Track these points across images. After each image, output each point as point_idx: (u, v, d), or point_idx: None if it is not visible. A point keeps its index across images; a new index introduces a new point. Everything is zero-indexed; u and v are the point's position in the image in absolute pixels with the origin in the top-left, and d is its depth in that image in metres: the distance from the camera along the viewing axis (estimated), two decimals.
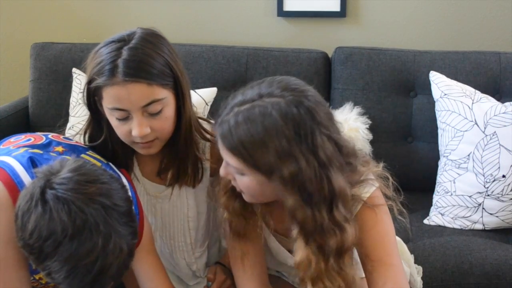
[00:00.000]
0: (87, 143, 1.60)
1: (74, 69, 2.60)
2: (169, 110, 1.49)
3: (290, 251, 1.50)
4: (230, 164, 1.34)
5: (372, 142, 2.43)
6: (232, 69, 2.59)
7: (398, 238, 1.80)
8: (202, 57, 2.61)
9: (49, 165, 1.31)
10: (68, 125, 2.43)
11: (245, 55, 2.60)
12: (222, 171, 1.40)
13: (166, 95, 1.47)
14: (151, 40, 1.47)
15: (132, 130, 1.46)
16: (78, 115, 2.45)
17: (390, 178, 1.50)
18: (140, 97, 1.43)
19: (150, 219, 1.69)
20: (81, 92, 2.46)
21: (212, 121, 1.56)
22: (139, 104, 1.44)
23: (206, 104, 2.50)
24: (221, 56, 2.61)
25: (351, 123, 2.41)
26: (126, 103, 1.43)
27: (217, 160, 1.47)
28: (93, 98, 1.50)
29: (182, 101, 1.52)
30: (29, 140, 1.52)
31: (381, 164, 1.52)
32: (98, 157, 1.54)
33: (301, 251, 1.37)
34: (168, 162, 1.62)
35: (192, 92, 2.48)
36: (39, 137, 1.53)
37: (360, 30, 2.75)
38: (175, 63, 1.49)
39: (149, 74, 1.43)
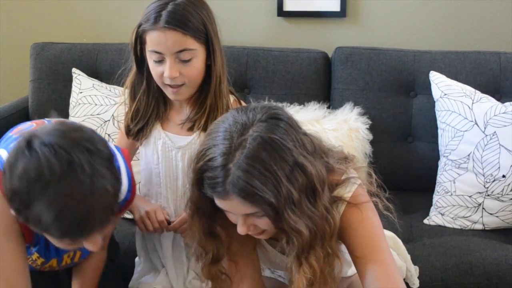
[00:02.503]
0: (127, 96, 1.85)
1: (74, 69, 2.60)
2: (198, 61, 1.71)
3: (283, 252, 1.51)
4: (247, 213, 1.34)
5: (372, 142, 2.43)
6: (232, 69, 2.57)
7: (391, 234, 1.80)
8: None
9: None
10: None
11: (245, 55, 2.60)
12: (243, 229, 1.38)
13: (197, 47, 1.69)
14: (195, 2, 1.71)
15: (164, 71, 1.69)
16: (78, 115, 2.45)
17: (373, 174, 1.50)
18: (174, 43, 1.66)
19: (164, 174, 1.83)
20: (81, 93, 2.51)
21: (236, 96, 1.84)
22: (173, 49, 1.67)
23: None
24: None
25: (351, 123, 2.41)
26: (163, 47, 1.67)
27: None
28: (139, 45, 1.74)
29: (212, 57, 1.73)
30: (32, 126, 1.54)
31: (365, 161, 1.52)
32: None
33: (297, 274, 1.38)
34: (196, 112, 1.79)
35: None
36: (42, 122, 1.54)
37: (360, 30, 2.75)
38: (210, 24, 1.72)
39: (185, 26, 1.66)
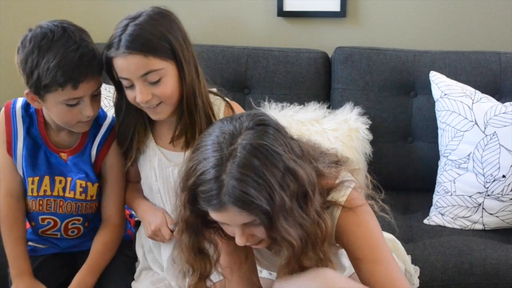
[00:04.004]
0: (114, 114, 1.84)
1: None
2: (169, 79, 1.65)
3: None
4: (244, 223, 1.33)
5: (372, 142, 2.43)
6: (232, 69, 2.59)
7: (390, 236, 1.80)
8: (202, 57, 2.60)
9: None
10: None
11: (245, 55, 2.60)
12: (241, 240, 1.36)
13: (164, 66, 1.63)
14: (155, 17, 1.66)
15: (136, 96, 1.64)
16: None
17: (368, 176, 1.50)
18: (138, 67, 1.61)
19: (164, 190, 1.82)
20: None
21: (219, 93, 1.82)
22: (138, 73, 1.61)
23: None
24: (221, 56, 2.61)
25: (351, 123, 2.41)
26: (127, 73, 1.62)
27: None
28: (111, 69, 1.68)
29: (181, 72, 1.66)
30: None
31: (365, 161, 1.52)
32: None
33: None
34: (181, 129, 1.75)
35: None
36: None
37: (360, 30, 2.75)
38: (175, 37, 1.65)
39: (146, 47, 1.60)
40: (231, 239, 1.41)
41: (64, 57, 1.64)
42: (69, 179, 1.84)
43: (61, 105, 1.69)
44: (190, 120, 1.71)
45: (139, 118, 1.77)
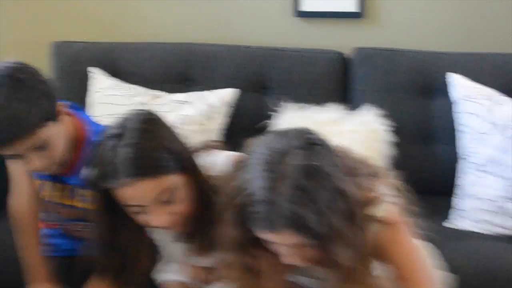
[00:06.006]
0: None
1: (91, 68, 2.60)
2: (182, 192, 1.47)
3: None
4: (294, 243, 1.31)
5: (390, 144, 2.41)
6: (249, 69, 2.58)
7: (424, 243, 1.78)
8: (219, 57, 2.60)
9: None
10: None
11: (261, 55, 2.59)
12: (288, 259, 1.35)
13: (174, 180, 1.44)
14: (145, 128, 1.43)
15: (151, 221, 1.46)
16: (95, 114, 2.45)
17: (403, 188, 1.47)
18: (148, 192, 1.41)
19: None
20: (98, 92, 2.50)
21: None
22: (150, 198, 1.42)
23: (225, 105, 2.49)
24: (238, 56, 2.60)
25: (370, 124, 2.39)
26: (137, 200, 1.42)
27: None
28: (105, 196, 1.47)
29: (192, 178, 1.48)
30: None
31: (394, 173, 1.49)
32: None
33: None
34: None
35: (210, 93, 2.50)
36: None
37: (378, 30, 2.73)
38: (174, 144, 1.46)
39: (152, 168, 1.40)
40: (274, 254, 1.40)
41: None
42: (68, 186, 1.80)
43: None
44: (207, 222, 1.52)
45: (139, 236, 1.58)
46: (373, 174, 1.45)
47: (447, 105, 2.43)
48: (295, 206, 1.24)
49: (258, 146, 1.33)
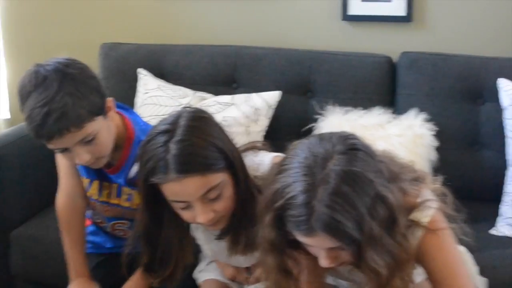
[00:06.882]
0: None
1: (140, 70, 2.63)
2: (228, 190, 1.49)
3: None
4: (331, 247, 1.32)
5: (437, 149, 2.38)
6: (296, 72, 2.59)
7: (461, 248, 1.76)
8: (266, 60, 2.61)
9: None
10: None
11: (308, 58, 2.59)
12: (326, 262, 1.35)
13: (222, 178, 1.46)
14: (197, 125, 1.46)
15: (196, 217, 1.48)
16: (143, 116, 2.48)
17: (449, 195, 1.44)
18: (196, 189, 1.43)
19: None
20: (146, 93, 2.54)
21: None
22: (197, 195, 1.44)
23: (269, 107, 2.50)
24: (285, 59, 2.61)
25: (416, 129, 2.37)
26: (184, 196, 1.45)
27: None
28: (152, 192, 1.50)
29: (238, 177, 1.50)
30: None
31: (439, 178, 1.47)
32: None
33: None
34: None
35: (256, 95, 2.51)
36: None
37: (426, 35, 2.70)
38: (224, 142, 1.48)
39: (201, 165, 1.42)
40: (314, 257, 1.40)
41: (31, 113, 1.53)
42: (115, 185, 1.83)
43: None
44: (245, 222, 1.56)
45: (184, 232, 1.63)
46: (418, 179, 1.43)
47: (496, 111, 2.38)
48: (333, 211, 1.24)
49: (301, 150, 1.33)
